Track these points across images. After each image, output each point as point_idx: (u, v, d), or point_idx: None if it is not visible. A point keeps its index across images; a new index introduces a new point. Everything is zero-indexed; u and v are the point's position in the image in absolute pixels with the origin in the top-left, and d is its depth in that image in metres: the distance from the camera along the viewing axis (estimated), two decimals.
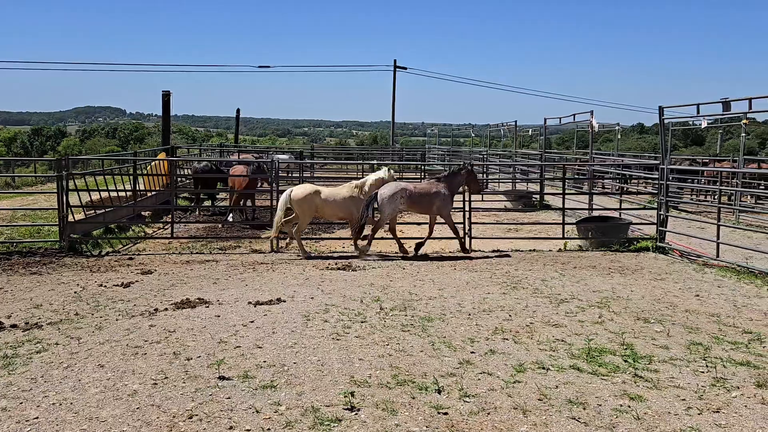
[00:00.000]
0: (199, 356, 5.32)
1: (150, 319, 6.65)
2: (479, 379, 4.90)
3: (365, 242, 11.00)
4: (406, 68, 43.82)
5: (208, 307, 7.19)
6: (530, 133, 31.85)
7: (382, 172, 11.38)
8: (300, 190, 11.14)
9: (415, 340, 5.94)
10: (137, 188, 15.16)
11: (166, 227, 14.45)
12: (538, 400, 4.50)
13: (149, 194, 16.12)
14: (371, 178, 11.31)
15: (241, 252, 11.57)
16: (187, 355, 5.34)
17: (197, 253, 11.57)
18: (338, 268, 9.84)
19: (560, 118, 20.12)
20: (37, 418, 4.09)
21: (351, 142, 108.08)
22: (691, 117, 16.71)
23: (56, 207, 11.41)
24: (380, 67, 52.76)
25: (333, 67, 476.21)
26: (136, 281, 8.73)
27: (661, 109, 12.52)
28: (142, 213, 15.55)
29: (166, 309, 7.08)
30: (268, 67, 49.05)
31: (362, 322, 6.52)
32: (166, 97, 20.10)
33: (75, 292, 8.00)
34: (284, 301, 7.46)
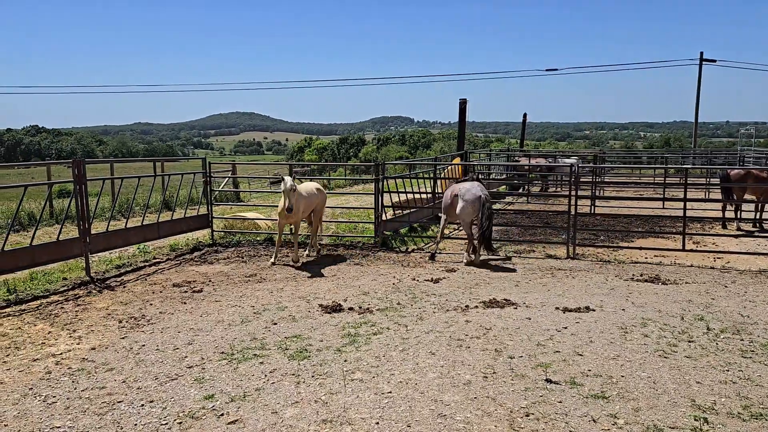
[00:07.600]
0: (521, 356, 5.41)
1: (464, 314, 7.01)
2: None
3: None
4: (715, 61, 38.91)
5: (516, 308, 7.29)
6: None
7: None
8: None
9: (763, 369, 5.17)
10: (436, 191, 16.19)
11: (460, 228, 15.16)
12: None
13: None
14: None
15: (536, 257, 11.52)
16: (508, 354, 5.49)
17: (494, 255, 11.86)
18: (645, 280, 9.14)
19: None
20: (390, 392, 4.60)
21: (638, 144, 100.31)
22: None
23: (370, 206, 12.83)
24: (681, 61, 47.01)
25: (624, 65, 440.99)
26: (443, 278, 9.31)
27: None
28: (439, 214, 16.55)
29: (476, 306, 7.40)
30: (556, 69, 47.95)
31: (689, 342, 5.92)
32: (463, 104, 21.02)
33: (393, 284, 8.87)
34: (593, 310, 7.18)
